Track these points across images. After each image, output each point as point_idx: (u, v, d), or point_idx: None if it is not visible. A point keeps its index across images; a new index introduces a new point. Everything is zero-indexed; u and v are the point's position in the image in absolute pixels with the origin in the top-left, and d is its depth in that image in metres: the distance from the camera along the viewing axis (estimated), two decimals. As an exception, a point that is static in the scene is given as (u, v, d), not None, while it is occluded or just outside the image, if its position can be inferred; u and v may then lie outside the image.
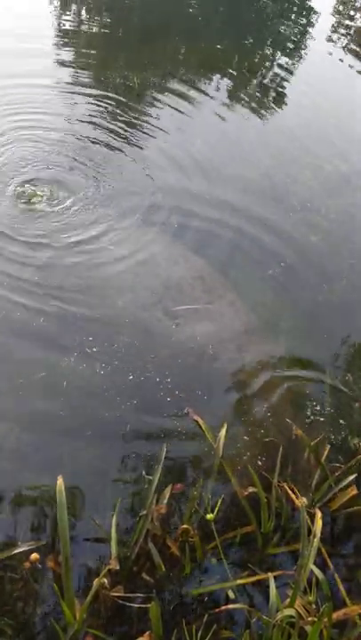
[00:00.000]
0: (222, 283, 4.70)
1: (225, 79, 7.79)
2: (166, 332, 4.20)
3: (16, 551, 2.90)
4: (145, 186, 5.50)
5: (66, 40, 8.31)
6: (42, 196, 5.07)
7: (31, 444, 3.42)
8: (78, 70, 7.41)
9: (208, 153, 6.10)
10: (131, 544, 3.02)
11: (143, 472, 3.37)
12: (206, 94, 7.23)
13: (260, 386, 4.01)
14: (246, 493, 3.20)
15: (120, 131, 6.23)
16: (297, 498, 3.26)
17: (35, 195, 5.05)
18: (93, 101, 6.73)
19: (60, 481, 2.84)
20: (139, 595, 2.87)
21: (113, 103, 6.71)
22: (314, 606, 2.79)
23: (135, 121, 6.44)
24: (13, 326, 4.00)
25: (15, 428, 3.47)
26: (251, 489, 3.18)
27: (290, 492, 3.29)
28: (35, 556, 2.92)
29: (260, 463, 3.52)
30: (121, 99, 6.87)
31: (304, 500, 3.22)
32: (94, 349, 3.91)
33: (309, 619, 2.66)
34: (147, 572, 3.00)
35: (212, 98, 7.19)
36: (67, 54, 7.87)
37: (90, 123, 6.32)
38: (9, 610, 2.79)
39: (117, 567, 2.93)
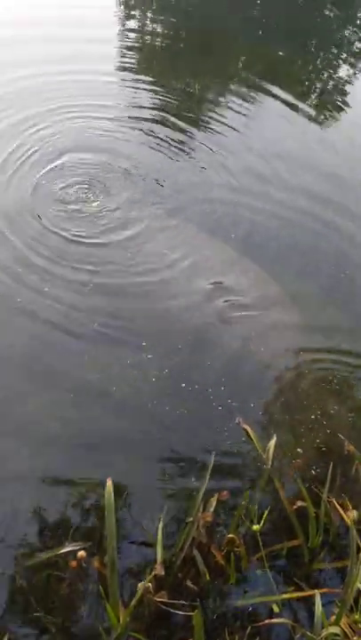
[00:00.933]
0: (278, 289, 4.66)
1: (286, 86, 7.73)
2: (220, 337, 4.19)
3: (63, 550, 2.94)
4: (201, 191, 5.50)
5: (129, 44, 8.39)
6: (96, 200, 5.13)
7: (83, 444, 3.45)
8: (140, 75, 7.48)
9: (267, 160, 6.06)
10: (176, 550, 3.01)
11: (193, 479, 3.36)
12: (267, 101, 7.19)
13: (316, 395, 3.94)
14: (295, 507, 3.15)
15: (179, 136, 6.26)
16: (346, 513, 3.19)
17: (89, 200, 5.12)
18: (153, 106, 6.78)
19: (109, 483, 2.86)
20: (182, 602, 2.86)
21: (172, 109, 6.74)
22: (360, 625, 2.73)
23: (194, 127, 6.45)
24: (68, 327, 4.06)
25: (66, 427, 3.51)
26: (299, 503, 3.13)
27: (339, 507, 3.22)
28: (82, 553, 2.96)
29: (310, 475, 3.45)
30: (181, 104, 6.90)
31: (354, 514, 3.16)
32: (149, 356, 3.92)
33: (355, 638, 2.60)
34: (191, 579, 2.99)
35: (272, 105, 7.14)
36: (129, 59, 7.96)
37: (148, 127, 6.37)
38: (54, 608, 2.82)
39: (162, 573, 2.94)
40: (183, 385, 3.78)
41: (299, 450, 3.60)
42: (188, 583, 2.98)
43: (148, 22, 9.48)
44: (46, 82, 6.81)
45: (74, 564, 2.98)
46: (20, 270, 4.40)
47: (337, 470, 3.42)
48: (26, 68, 7.01)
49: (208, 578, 2.97)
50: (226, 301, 4.47)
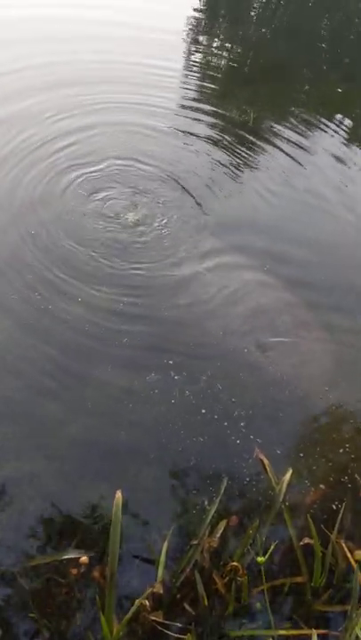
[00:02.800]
0: (312, 318, 4.64)
1: (342, 124, 7.74)
2: (255, 364, 4.18)
3: (66, 556, 2.96)
4: (244, 217, 5.53)
5: (193, 69, 8.54)
6: (138, 219, 5.20)
7: (98, 453, 3.47)
8: (199, 98, 7.59)
9: (313, 196, 6.06)
10: (177, 571, 3.00)
11: (205, 501, 3.34)
12: (320, 137, 7.21)
13: (346, 433, 3.89)
14: (302, 544, 3.11)
15: (227, 163, 6.30)
16: (353, 555, 3.14)
17: (134, 219, 5.19)
18: (207, 130, 6.86)
19: (118, 495, 2.87)
20: (177, 624, 2.84)
21: (225, 135, 6.81)
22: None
23: (244, 155, 6.49)
24: (98, 336, 4.11)
25: (84, 434, 3.55)
26: (307, 540, 3.09)
27: (347, 550, 3.16)
28: (84, 559, 2.97)
29: (322, 513, 3.40)
30: (234, 131, 6.97)
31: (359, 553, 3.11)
32: (175, 376, 3.94)
33: None
34: (189, 602, 2.97)
35: (326, 141, 7.15)
36: (192, 81, 8.08)
37: (197, 150, 6.45)
38: (50, 613, 2.84)
39: (161, 591, 2.93)
40: (203, 410, 3.77)
41: (315, 486, 3.54)
42: (186, 606, 2.96)
43: (213, 50, 9.62)
44: (108, 99, 6.93)
45: (75, 571, 2.99)
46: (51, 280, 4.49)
47: (349, 512, 3.37)
48: (92, 86, 7.15)
49: (206, 603, 2.94)
50: (262, 329, 4.45)
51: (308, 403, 4.01)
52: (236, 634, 2.88)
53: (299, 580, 3.12)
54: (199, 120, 7.06)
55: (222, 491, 3.25)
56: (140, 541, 3.12)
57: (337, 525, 3.17)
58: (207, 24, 10.54)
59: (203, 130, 6.88)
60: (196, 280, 4.69)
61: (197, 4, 11.06)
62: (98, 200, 5.34)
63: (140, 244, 4.96)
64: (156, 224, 5.21)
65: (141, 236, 5.05)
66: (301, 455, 3.72)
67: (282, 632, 2.86)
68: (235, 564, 3.00)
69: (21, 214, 5.04)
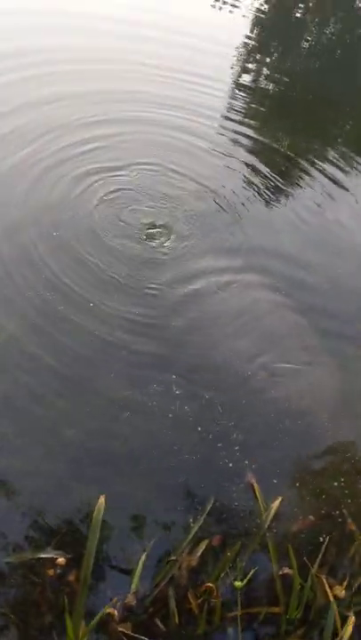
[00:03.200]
0: (323, 348, 4.61)
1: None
2: (261, 388, 4.15)
3: (43, 555, 2.96)
4: (268, 239, 5.52)
5: (240, 90, 8.58)
6: (164, 236, 5.23)
7: (90, 457, 3.48)
8: (240, 120, 7.61)
9: (341, 227, 6.05)
10: (153, 585, 2.99)
11: (190, 519, 3.31)
12: (354, 173, 7.15)
13: (340, 468, 3.84)
14: (281, 573, 3.07)
15: (259, 185, 6.31)
16: (332, 591, 3.08)
17: (156, 233, 5.23)
18: (243, 152, 6.88)
19: (101, 500, 2.89)
20: (145, 638, 2.82)
21: (260, 158, 6.81)
22: None
23: (276, 180, 6.48)
24: (106, 342, 4.14)
25: (79, 437, 3.56)
26: (286, 570, 3.04)
27: (327, 585, 3.10)
28: (61, 560, 2.98)
29: (307, 545, 3.34)
30: (271, 156, 6.96)
31: (339, 594, 3.05)
32: (177, 391, 3.93)
33: None
34: (160, 618, 2.94)
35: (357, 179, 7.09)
36: (236, 103, 8.12)
37: (231, 168, 6.49)
38: (20, 610, 2.84)
39: (133, 603, 2.92)
40: (199, 428, 3.76)
41: (304, 516, 3.50)
42: (157, 621, 2.93)
43: (261, 76, 9.71)
44: (152, 117, 7.02)
45: (51, 571, 2.99)
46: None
47: (334, 547, 3.32)
48: (140, 103, 7.26)
49: (177, 621, 2.91)
50: (270, 353, 4.43)
51: (309, 433, 3.97)
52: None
53: (275, 610, 3.08)
54: (237, 141, 7.10)
55: (207, 510, 3.25)
56: (119, 551, 3.11)
57: (319, 559, 3.13)
58: (258, 51, 10.65)
59: (238, 151, 6.92)
60: (209, 297, 4.70)
61: (250, 32, 11.18)
62: (129, 211, 5.39)
63: (160, 254, 4.99)
64: (179, 236, 5.24)
65: (161, 246, 5.08)
66: (295, 485, 3.67)
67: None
68: (210, 584, 2.97)
69: (58, 218, 5.14)
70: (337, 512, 3.54)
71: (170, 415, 3.73)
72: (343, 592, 3.10)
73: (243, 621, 3.00)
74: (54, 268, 4.59)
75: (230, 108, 7.93)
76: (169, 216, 5.46)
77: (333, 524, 3.47)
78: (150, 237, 5.16)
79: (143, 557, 3.05)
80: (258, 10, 12.33)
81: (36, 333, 4.07)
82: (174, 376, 3.97)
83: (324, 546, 3.22)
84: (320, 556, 3.16)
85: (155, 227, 5.29)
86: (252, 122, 7.70)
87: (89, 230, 5.06)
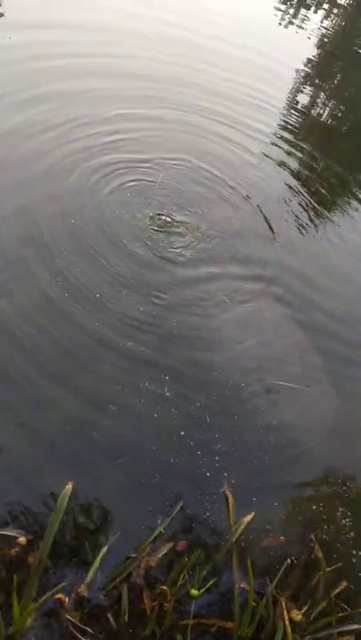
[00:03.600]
0: (322, 369, 4.56)
1: None
2: (253, 403, 4.12)
3: (3, 532, 2.99)
4: (289, 258, 5.49)
5: (292, 109, 8.56)
6: (189, 230, 5.24)
7: (67, 450, 3.48)
8: (286, 137, 7.57)
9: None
10: (108, 579, 2.98)
11: (158, 520, 3.29)
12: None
13: (321, 493, 3.78)
14: (237, 587, 3.03)
15: (295, 203, 6.27)
16: (289, 615, 3.02)
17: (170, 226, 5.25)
18: (282, 174, 6.86)
19: (68, 486, 2.91)
20: (91, 630, 2.81)
21: (300, 179, 6.78)
22: None
23: (313, 202, 6.44)
24: (103, 336, 4.17)
25: (60, 420, 3.59)
26: (243, 585, 3.00)
27: (285, 607, 3.05)
28: (22, 540, 3.00)
29: (273, 564, 3.29)
30: (321, 184, 6.91)
31: (296, 616, 3.00)
32: (168, 393, 3.91)
33: None
34: (113, 613, 2.93)
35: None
36: (287, 120, 8.10)
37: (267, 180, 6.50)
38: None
39: (85, 593, 2.92)
40: (182, 433, 3.74)
41: (274, 535, 3.45)
42: (108, 615, 2.92)
43: (317, 102, 9.64)
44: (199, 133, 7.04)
45: (12, 551, 3.01)
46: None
47: (300, 571, 3.27)
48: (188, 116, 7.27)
49: (126, 619, 2.90)
50: (271, 370, 4.40)
51: (295, 454, 3.92)
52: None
53: (229, 624, 3.03)
54: (283, 162, 7.06)
55: (175, 513, 3.23)
56: (82, 540, 3.11)
57: (277, 578, 3.09)
58: (318, 76, 10.62)
59: (281, 168, 6.90)
60: (217, 307, 4.68)
61: (312, 55, 11.17)
62: (161, 213, 5.44)
63: (179, 257, 5.02)
64: (201, 239, 5.26)
65: (184, 249, 5.10)
66: (272, 503, 3.62)
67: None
68: (164, 587, 2.95)
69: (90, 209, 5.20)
70: (310, 536, 3.48)
71: (155, 415, 3.72)
72: (300, 616, 3.04)
73: (194, 631, 2.98)
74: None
75: (282, 127, 7.90)
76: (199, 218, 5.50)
77: (303, 548, 3.41)
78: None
79: (104, 550, 3.05)
80: (323, 34, 12.31)
81: (38, 313, 4.13)
82: (167, 377, 3.96)
83: (284, 567, 3.17)
84: (278, 575, 3.10)
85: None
86: (300, 143, 7.66)
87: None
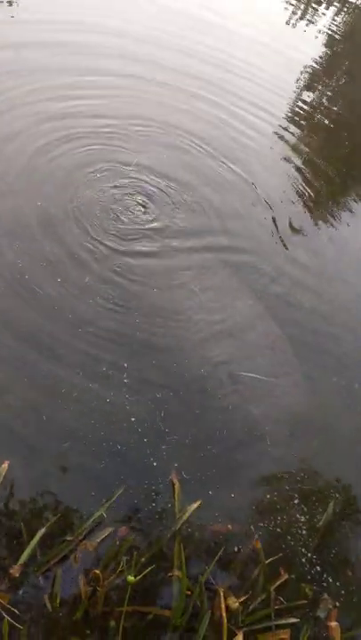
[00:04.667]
0: (293, 361, 4.49)
1: None
2: (217, 394, 4.05)
3: None
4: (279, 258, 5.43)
5: (297, 110, 8.40)
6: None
7: (20, 427, 3.47)
8: (287, 139, 7.46)
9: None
10: (43, 562, 2.95)
11: (100, 505, 3.25)
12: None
13: (277, 485, 3.71)
14: (170, 575, 2.98)
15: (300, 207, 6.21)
16: (226, 604, 2.97)
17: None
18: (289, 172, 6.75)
19: (4, 466, 2.90)
20: (17, 611, 2.78)
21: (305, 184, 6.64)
22: None
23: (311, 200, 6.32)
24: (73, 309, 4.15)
25: (16, 407, 3.57)
26: (176, 572, 2.95)
27: (222, 597, 3.00)
28: None
29: (216, 553, 3.23)
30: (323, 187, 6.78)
31: (232, 605, 2.95)
32: (125, 380, 3.87)
33: None
34: (48, 595, 2.89)
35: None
36: (289, 125, 7.96)
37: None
38: None
39: (17, 575, 2.89)
40: (132, 419, 3.68)
41: (222, 523, 3.39)
42: (45, 597, 2.89)
43: (323, 99, 9.47)
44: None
45: None
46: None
47: (243, 563, 3.22)
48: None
49: (57, 603, 2.86)
50: (240, 362, 4.33)
51: (254, 445, 3.86)
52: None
53: (165, 613, 2.99)
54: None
55: (114, 498, 3.19)
56: (18, 521, 3.08)
57: (211, 567, 3.04)
58: (324, 73, 10.47)
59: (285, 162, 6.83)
60: (188, 298, 4.62)
61: (320, 52, 11.03)
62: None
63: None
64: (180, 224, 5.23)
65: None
66: (225, 493, 3.56)
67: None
68: (96, 571, 2.91)
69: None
70: (261, 525, 3.43)
71: (107, 400, 3.68)
72: (237, 604, 2.99)
73: (131, 618, 2.94)
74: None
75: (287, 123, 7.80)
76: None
77: (248, 539, 3.35)
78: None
79: (41, 532, 3.02)
80: (332, 31, 12.17)
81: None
82: (126, 364, 3.92)
83: (218, 555, 3.12)
84: (212, 564, 3.06)
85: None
86: (306, 139, 7.55)
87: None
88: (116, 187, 5.38)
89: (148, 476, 3.44)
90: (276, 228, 5.69)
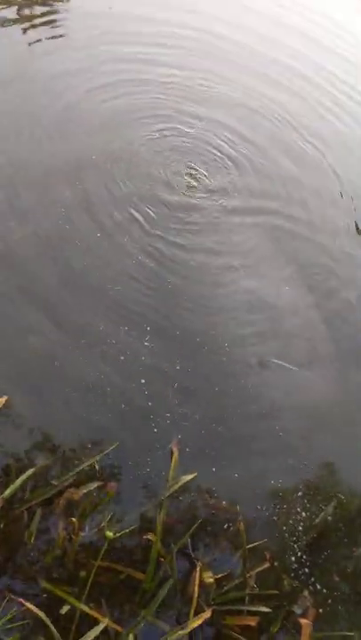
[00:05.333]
0: (330, 355, 4.30)
1: None
2: (248, 380, 3.93)
3: None
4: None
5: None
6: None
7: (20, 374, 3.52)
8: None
9: None
10: (23, 500, 2.98)
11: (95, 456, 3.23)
12: None
13: (284, 472, 3.58)
14: (144, 537, 2.92)
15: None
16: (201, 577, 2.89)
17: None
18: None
19: (2, 400, 2.94)
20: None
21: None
22: None
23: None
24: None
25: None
26: (150, 535, 2.89)
27: (198, 571, 2.91)
28: None
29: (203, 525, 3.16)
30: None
31: (209, 579, 2.86)
32: (146, 342, 3.80)
33: None
34: (19, 535, 2.91)
35: None
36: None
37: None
38: None
39: (-1, 505, 2.92)
40: (142, 381, 3.63)
41: (215, 500, 3.31)
42: (25, 538, 2.91)
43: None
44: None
45: None
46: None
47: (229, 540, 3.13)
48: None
49: (31, 543, 2.88)
50: (272, 348, 4.19)
51: (269, 432, 3.72)
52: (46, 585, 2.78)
53: (139, 575, 2.94)
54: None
55: (106, 451, 3.17)
56: (8, 457, 3.12)
57: (186, 537, 2.96)
58: None
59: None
60: (230, 277, 4.47)
61: None
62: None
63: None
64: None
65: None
66: (231, 473, 3.46)
67: (85, 608, 2.70)
68: (73, 519, 2.89)
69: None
70: (256, 509, 3.32)
71: (122, 357, 3.65)
72: (211, 580, 2.89)
73: (104, 574, 2.91)
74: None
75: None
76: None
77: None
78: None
79: (29, 472, 3.03)
80: None
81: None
82: (149, 328, 3.86)
83: (195, 526, 3.03)
84: (188, 534, 2.98)
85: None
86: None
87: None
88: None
89: (147, 440, 3.39)
90: (357, 226, 5.42)
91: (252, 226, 4.90)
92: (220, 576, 2.98)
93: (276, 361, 4.11)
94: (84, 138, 5.05)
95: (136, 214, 4.52)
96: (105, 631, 2.63)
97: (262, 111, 6.12)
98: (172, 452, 3.34)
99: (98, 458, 3.14)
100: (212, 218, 4.79)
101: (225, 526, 3.22)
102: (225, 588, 2.95)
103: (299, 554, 3.24)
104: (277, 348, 4.19)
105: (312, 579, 3.16)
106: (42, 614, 2.52)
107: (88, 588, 2.72)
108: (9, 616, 2.57)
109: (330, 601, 3.10)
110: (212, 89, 6.13)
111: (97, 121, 5.22)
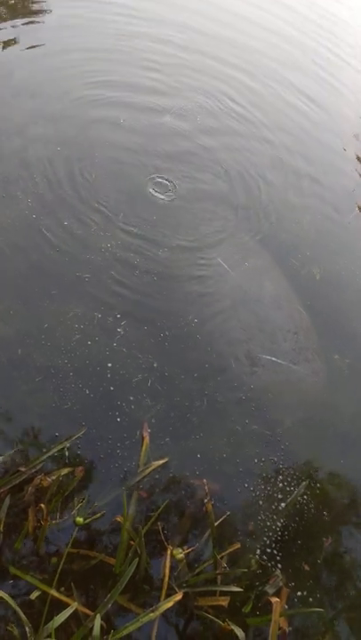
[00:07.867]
0: (316, 348, 4.29)
1: None
2: (238, 376, 3.91)
3: None
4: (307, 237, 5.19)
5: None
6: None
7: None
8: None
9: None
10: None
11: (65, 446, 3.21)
12: None
13: (269, 465, 3.57)
14: (112, 520, 2.91)
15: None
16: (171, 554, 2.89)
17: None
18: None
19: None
20: None
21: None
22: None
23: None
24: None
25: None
26: (118, 518, 2.88)
27: (168, 556, 2.91)
28: None
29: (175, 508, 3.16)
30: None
31: (180, 555, 2.86)
32: (145, 327, 3.81)
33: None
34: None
35: None
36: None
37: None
38: None
39: None
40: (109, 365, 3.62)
41: (186, 480, 3.30)
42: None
43: None
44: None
45: None
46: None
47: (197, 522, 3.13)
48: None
49: (1, 528, 2.85)
50: (261, 343, 4.16)
51: (257, 425, 3.70)
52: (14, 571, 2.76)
53: (110, 560, 2.93)
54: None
55: (75, 437, 3.15)
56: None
57: (154, 518, 2.95)
58: None
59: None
60: (217, 273, 4.44)
61: None
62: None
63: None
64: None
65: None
66: (201, 458, 3.45)
67: (42, 587, 2.70)
68: (42, 505, 2.88)
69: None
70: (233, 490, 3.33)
71: (88, 342, 3.63)
72: (181, 555, 2.89)
73: (76, 561, 2.89)
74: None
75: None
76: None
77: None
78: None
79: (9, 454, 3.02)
80: None
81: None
82: (138, 315, 3.88)
83: (163, 506, 3.04)
84: (156, 515, 2.99)
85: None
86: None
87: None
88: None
89: (121, 426, 3.38)
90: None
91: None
92: (190, 552, 2.97)
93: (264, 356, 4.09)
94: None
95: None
96: (75, 615, 2.60)
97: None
98: (143, 439, 3.33)
99: (67, 444, 3.12)
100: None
101: (195, 507, 3.20)
102: (196, 571, 2.94)
103: (272, 537, 3.23)
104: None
105: (280, 563, 3.16)
106: (8, 597, 2.50)
107: (58, 573, 2.71)
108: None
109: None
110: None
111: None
